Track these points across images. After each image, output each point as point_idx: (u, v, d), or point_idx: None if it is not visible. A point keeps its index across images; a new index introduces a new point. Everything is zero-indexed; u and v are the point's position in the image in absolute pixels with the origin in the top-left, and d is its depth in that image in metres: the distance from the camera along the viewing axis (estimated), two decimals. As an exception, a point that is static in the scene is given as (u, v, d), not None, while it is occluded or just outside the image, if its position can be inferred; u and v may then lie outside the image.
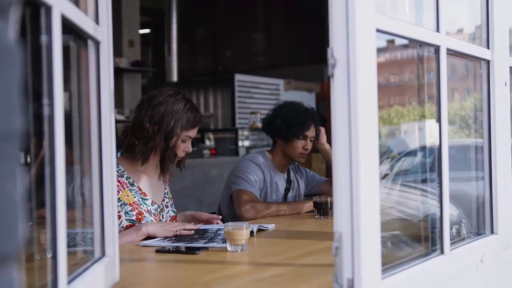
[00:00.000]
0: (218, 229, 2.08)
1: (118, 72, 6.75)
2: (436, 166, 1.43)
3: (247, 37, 9.48)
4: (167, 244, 1.87)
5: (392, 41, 1.37)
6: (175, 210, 2.34)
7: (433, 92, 1.45)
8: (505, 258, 1.75)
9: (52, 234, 0.92)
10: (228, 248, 1.75)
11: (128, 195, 2.12)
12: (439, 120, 1.42)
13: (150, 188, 2.22)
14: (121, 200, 2.09)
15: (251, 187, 2.65)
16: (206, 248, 1.78)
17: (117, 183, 2.07)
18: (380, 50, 1.22)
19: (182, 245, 1.84)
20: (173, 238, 1.96)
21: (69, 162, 1.12)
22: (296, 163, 2.94)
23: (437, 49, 1.42)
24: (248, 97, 7.68)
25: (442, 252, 1.41)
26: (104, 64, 1.28)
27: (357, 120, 1.06)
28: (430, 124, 1.51)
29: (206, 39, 9.95)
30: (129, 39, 7.13)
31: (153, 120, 2.12)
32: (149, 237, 1.98)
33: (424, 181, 1.67)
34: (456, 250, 1.47)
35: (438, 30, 1.41)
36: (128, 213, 2.10)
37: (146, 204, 2.16)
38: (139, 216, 2.11)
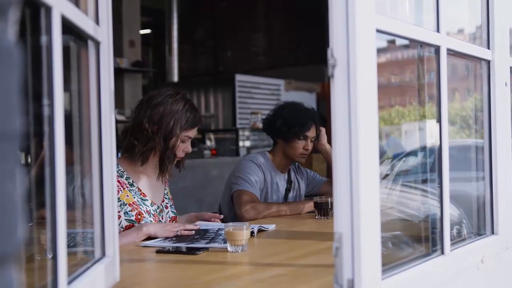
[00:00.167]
0: (219, 229, 2.08)
1: (119, 73, 6.76)
2: (437, 167, 1.43)
3: (247, 37, 9.48)
4: (168, 244, 1.87)
5: (392, 41, 1.37)
6: (175, 211, 2.33)
7: (434, 92, 1.45)
8: (506, 259, 1.74)
9: (52, 235, 0.92)
10: (229, 249, 1.75)
11: (127, 195, 2.12)
12: (439, 120, 1.42)
13: (149, 188, 2.22)
14: (120, 200, 2.09)
15: (252, 188, 2.65)
16: (207, 249, 1.78)
17: (117, 183, 2.07)
18: (380, 50, 1.22)
19: (183, 245, 1.84)
20: (174, 239, 1.95)
21: (69, 163, 1.12)
22: (296, 163, 2.94)
23: (437, 49, 1.42)
24: (248, 97, 7.69)
25: (442, 252, 1.41)
26: (104, 64, 1.28)
27: (357, 120, 1.06)
28: (431, 125, 1.51)
29: (207, 39, 9.95)
30: (130, 40, 7.14)
31: (153, 120, 2.12)
32: (149, 238, 1.98)
33: (424, 181, 1.67)
34: (456, 250, 1.47)
35: (438, 30, 1.41)
36: (127, 213, 2.10)
37: (145, 205, 2.16)
38: (139, 217, 2.11)
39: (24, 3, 0.84)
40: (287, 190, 2.89)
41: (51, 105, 0.93)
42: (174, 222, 2.28)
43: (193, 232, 2.02)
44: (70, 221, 1.23)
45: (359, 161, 1.06)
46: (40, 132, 0.95)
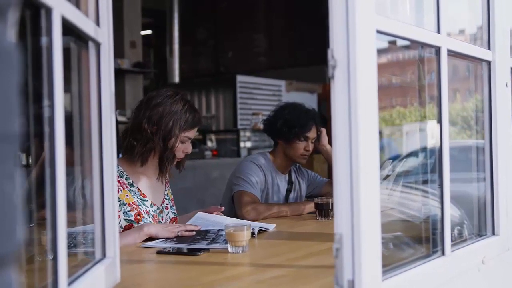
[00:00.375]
0: (220, 229, 2.08)
1: (120, 74, 6.76)
2: (437, 167, 1.43)
3: (248, 38, 9.48)
4: (169, 245, 1.87)
5: (393, 42, 1.37)
6: (175, 211, 2.33)
7: (435, 93, 1.45)
8: (507, 259, 1.74)
9: (53, 236, 0.92)
10: (229, 250, 1.74)
11: (127, 195, 2.13)
12: (439, 121, 1.42)
13: (149, 189, 2.22)
14: (120, 200, 2.09)
15: (252, 189, 2.65)
16: (208, 249, 1.78)
17: (117, 183, 2.07)
18: (381, 51, 1.22)
19: (183, 246, 1.84)
20: (174, 239, 1.95)
21: (70, 164, 1.12)
22: (297, 164, 2.94)
23: (437, 50, 1.42)
24: (249, 98, 7.68)
25: (443, 253, 1.40)
26: (104, 65, 1.28)
27: (357, 121, 1.06)
28: (432, 125, 1.51)
29: (208, 40, 9.95)
30: (131, 41, 7.14)
31: (152, 121, 2.12)
32: (150, 238, 1.98)
33: (425, 182, 1.67)
34: (457, 251, 1.47)
35: (438, 31, 1.41)
36: (127, 213, 2.10)
37: (145, 205, 2.16)
38: (138, 217, 2.11)
39: (25, 4, 0.84)
40: (288, 191, 2.89)
41: (52, 106, 0.93)
42: (174, 223, 2.28)
43: (194, 233, 2.02)
44: (71, 222, 1.23)
45: (359, 162, 1.06)
46: (41, 133, 0.95)
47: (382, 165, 1.15)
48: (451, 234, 1.45)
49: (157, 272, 1.65)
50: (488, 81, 1.71)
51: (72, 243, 1.27)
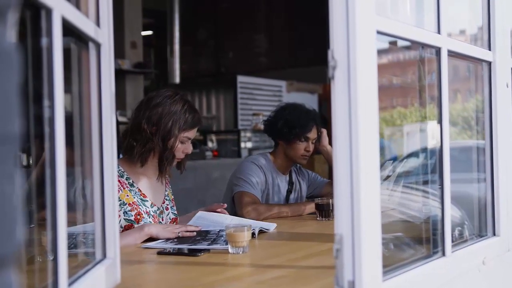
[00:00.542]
0: (220, 230, 2.08)
1: (121, 74, 6.76)
2: (438, 168, 1.43)
3: (248, 38, 9.47)
4: (169, 246, 1.87)
5: (394, 43, 1.37)
6: (175, 212, 2.33)
7: (435, 94, 1.45)
8: (507, 260, 1.74)
9: (53, 236, 0.92)
10: (230, 250, 1.74)
11: (127, 195, 2.13)
12: (440, 121, 1.42)
13: (150, 189, 2.22)
14: (120, 200, 2.09)
15: (253, 189, 2.65)
16: (208, 250, 1.78)
17: (117, 182, 2.07)
18: (382, 52, 1.22)
19: (184, 247, 1.84)
20: (175, 240, 1.95)
21: (70, 164, 1.12)
22: (298, 164, 2.93)
23: (438, 50, 1.41)
24: (250, 98, 7.68)
25: (443, 254, 1.40)
26: (105, 66, 1.28)
27: (358, 122, 1.06)
28: (432, 126, 1.51)
29: (208, 40, 9.95)
30: (131, 41, 7.14)
31: (151, 121, 2.12)
32: (150, 238, 1.98)
33: (426, 182, 1.67)
34: (457, 252, 1.47)
35: (439, 32, 1.41)
36: (127, 213, 2.10)
37: (145, 206, 2.16)
38: (138, 217, 2.11)
39: (25, 4, 0.84)
40: (289, 192, 2.89)
41: (52, 107, 0.93)
42: (174, 223, 2.28)
43: (195, 233, 2.02)
44: (72, 223, 1.24)
45: (360, 162, 1.06)
46: (42, 134, 0.95)
47: (382, 166, 1.15)
48: (452, 234, 1.45)
49: (158, 272, 1.65)
50: (488, 82, 1.71)
51: (72, 244, 1.27)
